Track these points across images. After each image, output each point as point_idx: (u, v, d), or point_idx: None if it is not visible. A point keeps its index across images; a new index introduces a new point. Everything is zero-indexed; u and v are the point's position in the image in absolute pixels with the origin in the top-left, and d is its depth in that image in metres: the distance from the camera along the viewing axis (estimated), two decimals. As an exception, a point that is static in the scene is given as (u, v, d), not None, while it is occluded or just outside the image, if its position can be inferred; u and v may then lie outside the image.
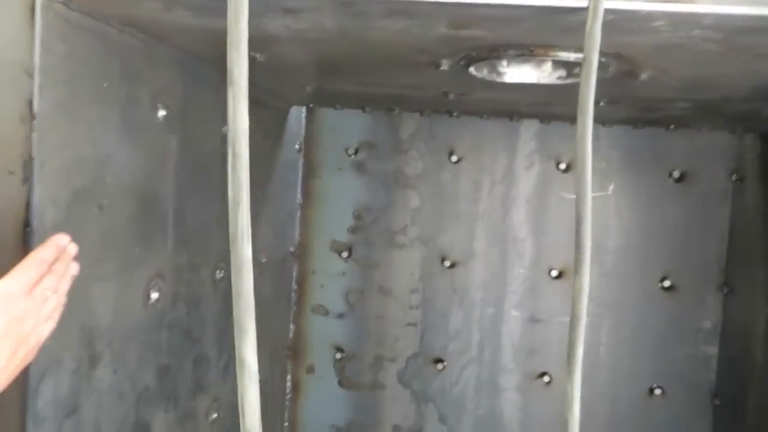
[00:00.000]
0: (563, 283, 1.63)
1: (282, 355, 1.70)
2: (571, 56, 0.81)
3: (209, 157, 1.10)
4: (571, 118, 1.56)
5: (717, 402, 1.57)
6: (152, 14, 0.74)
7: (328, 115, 1.65)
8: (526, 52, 0.81)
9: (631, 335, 1.62)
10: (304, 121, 1.66)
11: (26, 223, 0.69)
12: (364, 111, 1.61)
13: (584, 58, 0.63)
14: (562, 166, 1.62)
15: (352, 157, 1.67)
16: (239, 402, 0.54)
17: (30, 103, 0.68)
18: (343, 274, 1.72)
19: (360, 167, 1.68)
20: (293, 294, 1.74)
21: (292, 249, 1.70)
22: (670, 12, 0.61)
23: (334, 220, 1.70)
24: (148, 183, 0.93)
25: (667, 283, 1.61)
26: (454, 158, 1.64)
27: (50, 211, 0.72)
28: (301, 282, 1.74)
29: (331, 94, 1.38)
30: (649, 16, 0.63)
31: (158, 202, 0.96)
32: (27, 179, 0.70)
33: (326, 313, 1.74)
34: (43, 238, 0.69)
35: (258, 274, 1.37)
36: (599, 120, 1.52)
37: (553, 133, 1.61)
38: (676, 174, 1.60)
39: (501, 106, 1.40)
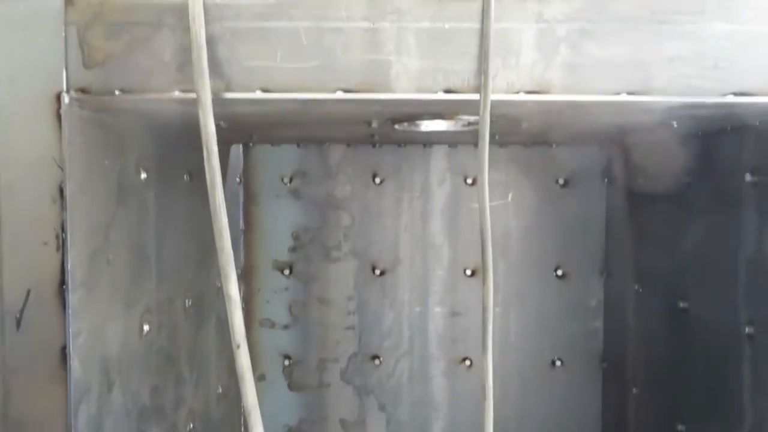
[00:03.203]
0: (476, 280, 1.92)
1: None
2: (472, 117, 1.08)
3: (177, 205, 1.29)
4: (475, 142, 1.86)
5: (605, 365, 1.92)
6: (150, 108, 0.94)
7: (264, 150, 1.85)
8: (438, 117, 1.07)
9: (534, 318, 1.93)
10: (242, 157, 1.85)
11: (62, 282, 0.87)
12: (298, 146, 1.82)
13: (479, 132, 0.90)
14: (469, 180, 1.91)
15: (288, 185, 1.88)
16: (229, 323, 0.80)
17: (60, 187, 0.86)
18: (286, 289, 1.93)
19: (295, 193, 1.89)
20: (242, 312, 1.93)
21: (238, 271, 1.89)
22: (534, 100, 0.89)
23: (275, 242, 1.91)
24: (138, 234, 1.11)
25: (560, 272, 1.93)
26: (377, 180, 1.89)
27: (78, 271, 0.90)
28: (248, 300, 1.94)
29: (271, 137, 1.59)
30: (522, 101, 0.90)
31: (144, 249, 1.15)
32: (59, 248, 0.87)
33: (273, 325, 1.94)
34: (76, 294, 0.87)
35: (215, 298, 1.58)
36: (497, 143, 1.82)
37: (461, 154, 1.89)
38: (561, 181, 1.93)
39: (416, 138, 1.67)
